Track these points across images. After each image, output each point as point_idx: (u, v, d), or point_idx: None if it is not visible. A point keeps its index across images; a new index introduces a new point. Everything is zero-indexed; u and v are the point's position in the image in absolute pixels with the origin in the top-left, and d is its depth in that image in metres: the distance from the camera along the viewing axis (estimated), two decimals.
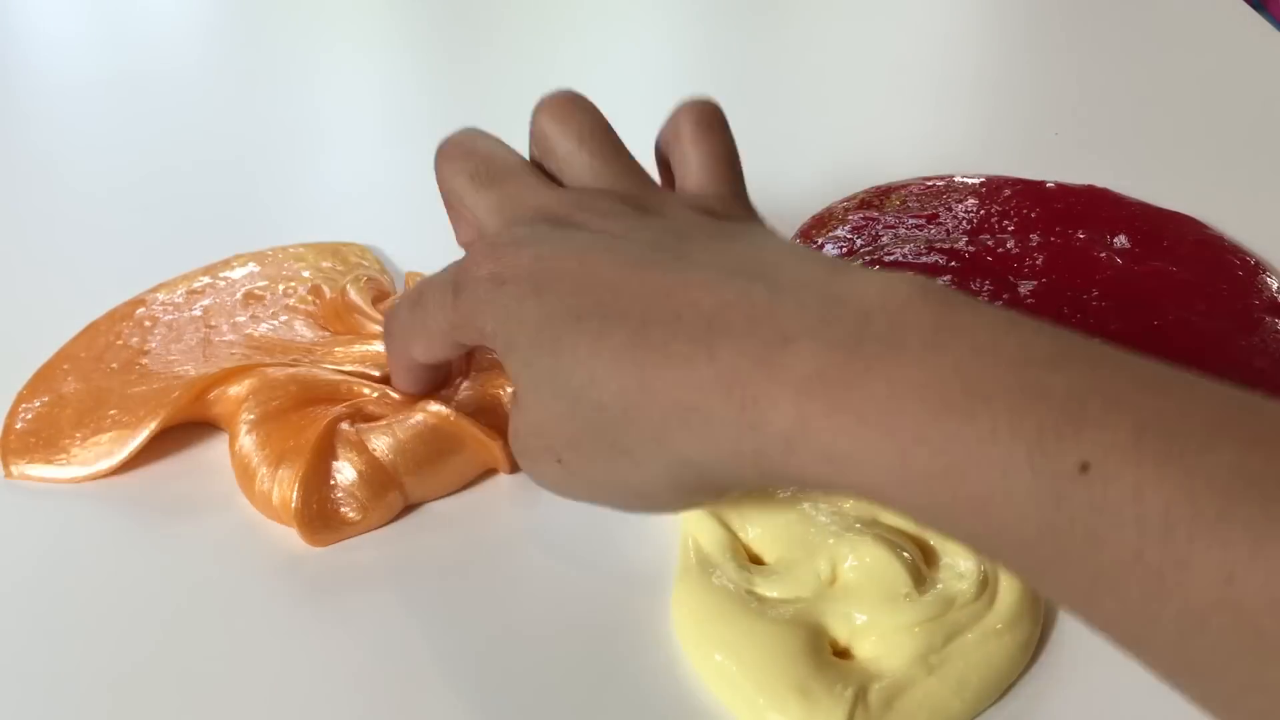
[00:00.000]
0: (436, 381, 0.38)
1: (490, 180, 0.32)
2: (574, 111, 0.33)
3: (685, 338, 0.25)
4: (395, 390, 0.38)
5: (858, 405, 0.23)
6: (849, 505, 0.34)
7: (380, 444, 0.37)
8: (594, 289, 0.27)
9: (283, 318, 0.43)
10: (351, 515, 0.36)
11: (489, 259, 0.29)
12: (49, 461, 0.38)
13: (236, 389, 0.38)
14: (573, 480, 0.29)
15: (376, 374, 0.39)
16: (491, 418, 0.38)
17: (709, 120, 0.33)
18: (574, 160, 0.32)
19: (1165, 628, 0.20)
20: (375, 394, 0.38)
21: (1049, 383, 0.22)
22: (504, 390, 0.39)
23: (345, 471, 0.36)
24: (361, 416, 0.38)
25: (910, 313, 0.24)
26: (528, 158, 0.34)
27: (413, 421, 0.37)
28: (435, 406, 0.37)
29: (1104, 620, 0.22)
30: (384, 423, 0.37)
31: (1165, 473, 0.20)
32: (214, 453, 0.38)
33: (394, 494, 0.36)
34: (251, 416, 0.37)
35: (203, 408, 0.39)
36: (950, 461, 0.22)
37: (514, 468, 0.38)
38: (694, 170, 0.33)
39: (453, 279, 0.30)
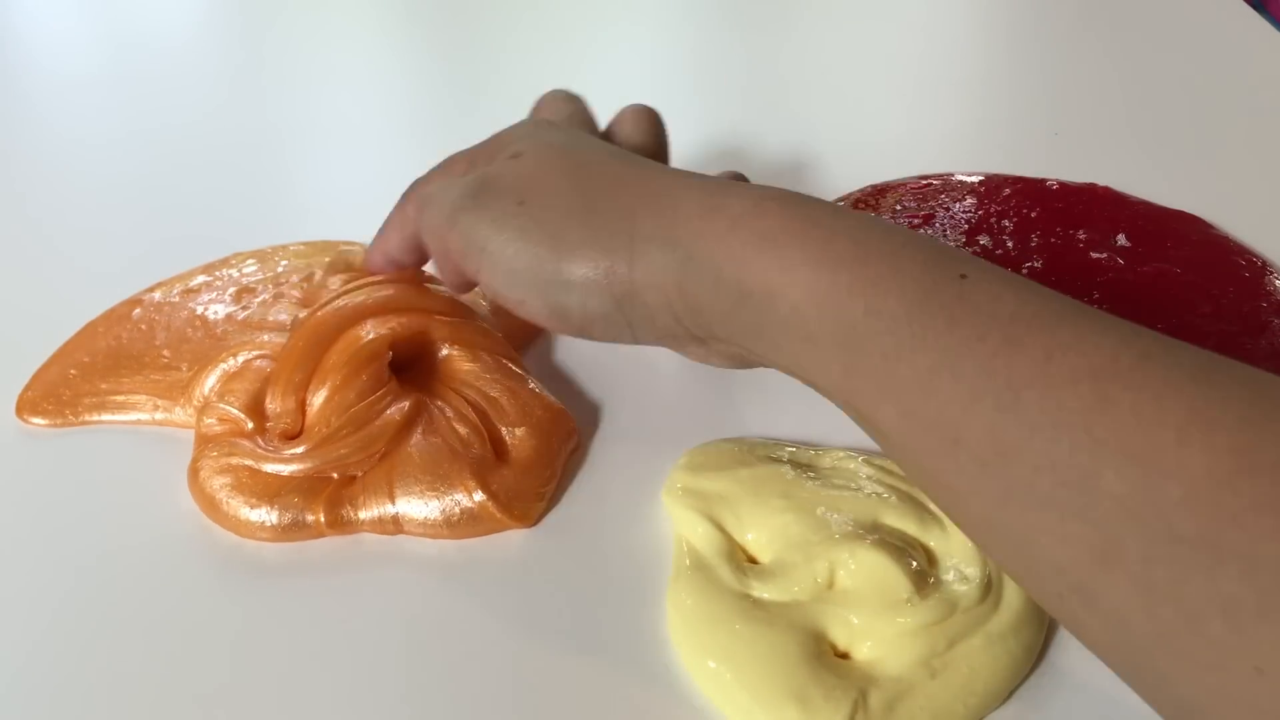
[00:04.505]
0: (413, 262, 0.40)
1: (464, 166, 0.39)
2: (562, 104, 0.40)
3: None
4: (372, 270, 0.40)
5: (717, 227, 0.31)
6: (848, 507, 0.34)
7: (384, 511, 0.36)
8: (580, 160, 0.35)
9: (273, 308, 0.43)
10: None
11: (469, 187, 0.35)
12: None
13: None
14: (521, 225, 0.33)
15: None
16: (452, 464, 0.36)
17: (649, 114, 0.40)
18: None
19: (984, 406, 0.25)
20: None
21: (877, 242, 0.29)
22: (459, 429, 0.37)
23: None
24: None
25: (772, 203, 0.31)
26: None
27: (449, 504, 0.36)
28: (480, 496, 0.35)
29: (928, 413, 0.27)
30: (414, 498, 0.36)
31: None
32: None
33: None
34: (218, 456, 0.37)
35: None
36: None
37: (532, 524, 0.36)
38: (628, 136, 0.39)
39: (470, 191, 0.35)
